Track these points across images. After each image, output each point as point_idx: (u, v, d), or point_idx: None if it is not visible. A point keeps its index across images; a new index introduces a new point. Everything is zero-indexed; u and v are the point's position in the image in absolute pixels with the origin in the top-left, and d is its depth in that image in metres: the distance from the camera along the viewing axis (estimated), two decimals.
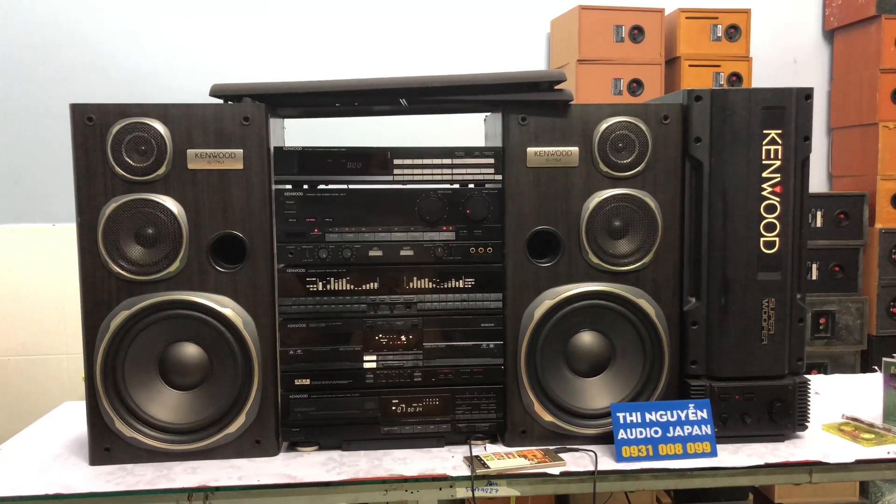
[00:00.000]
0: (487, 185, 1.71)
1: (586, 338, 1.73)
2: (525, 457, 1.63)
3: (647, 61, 3.35)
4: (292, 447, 1.72)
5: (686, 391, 1.73)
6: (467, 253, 1.71)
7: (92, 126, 1.58)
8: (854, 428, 1.80)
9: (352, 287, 1.70)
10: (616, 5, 3.33)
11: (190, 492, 1.52)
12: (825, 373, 3.25)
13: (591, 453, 1.64)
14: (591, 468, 1.59)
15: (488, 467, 1.57)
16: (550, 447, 1.69)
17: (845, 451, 1.67)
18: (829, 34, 3.85)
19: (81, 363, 1.62)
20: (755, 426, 1.71)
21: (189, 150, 1.60)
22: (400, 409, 1.71)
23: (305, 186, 1.68)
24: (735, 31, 3.43)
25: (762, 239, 1.69)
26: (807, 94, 1.69)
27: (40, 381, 2.88)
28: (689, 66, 3.41)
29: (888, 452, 1.67)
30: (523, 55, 3.70)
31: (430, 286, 1.71)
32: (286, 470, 1.59)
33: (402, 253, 1.70)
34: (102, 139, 1.58)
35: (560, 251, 1.70)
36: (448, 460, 1.64)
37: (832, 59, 3.85)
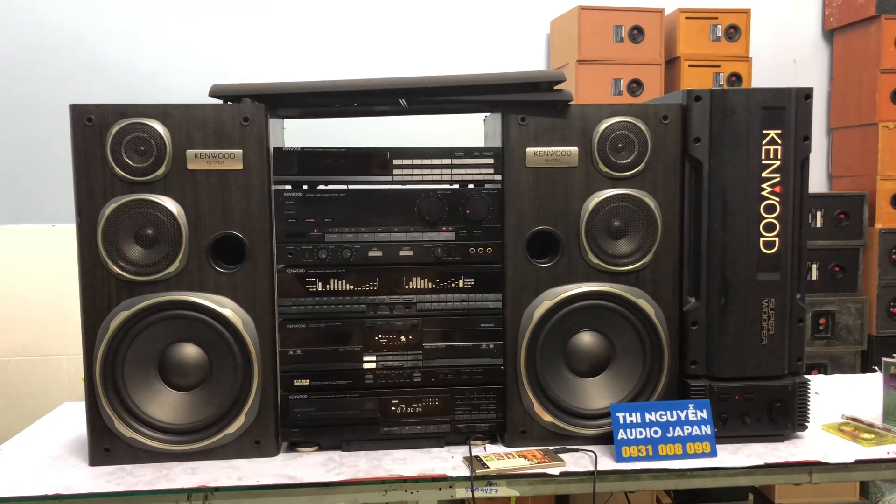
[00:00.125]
0: (487, 186, 1.71)
1: (586, 338, 1.73)
2: (525, 457, 1.63)
3: (646, 61, 3.35)
4: (292, 448, 1.72)
5: (686, 391, 1.73)
6: (467, 253, 1.71)
7: (91, 126, 1.58)
8: (854, 428, 1.80)
9: (351, 287, 1.70)
10: (616, 5, 3.33)
11: (189, 492, 1.52)
12: (825, 373, 3.25)
13: (591, 453, 1.64)
14: (591, 468, 1.59)
15: (488, 467, 1.57)
16: (550, 447, 1.69)
17: (845, 451, 1.67)
18: (829, 34, 3.85)
19: (81, 364, 1.62)
20: (755, 426, 1.71)
21: (189, 151, 1.60)
22: (399, 409, 1.71)
23: (305, 187, 1.68)
24: (735, 32, 3.43)
25: (762, 239, 1.69)
26: (806, 94, 1.69)
27: (40, 381, 2.88)
28: (689, 66, 3.41)
29: (888, 452, 1.67)
30: (523, 55, 3.70)
31: (430, 286, 1.71)
32: (286, 470, 1.59)
33: (402, 253, 1.70)
34: (102, 139, 1.58)
35: (560, 251, 1.70)
36: (448, 461, 1.64)
37: (832, 60, 3.85)
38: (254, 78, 3.45)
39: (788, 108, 1.67)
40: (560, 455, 1.64)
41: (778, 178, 1.68)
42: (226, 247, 1.65)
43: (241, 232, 1.63)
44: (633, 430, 1.64)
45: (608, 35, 3.33)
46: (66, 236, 2.53)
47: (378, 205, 1.69)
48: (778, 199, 1.68)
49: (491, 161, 1.71)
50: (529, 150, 1.68)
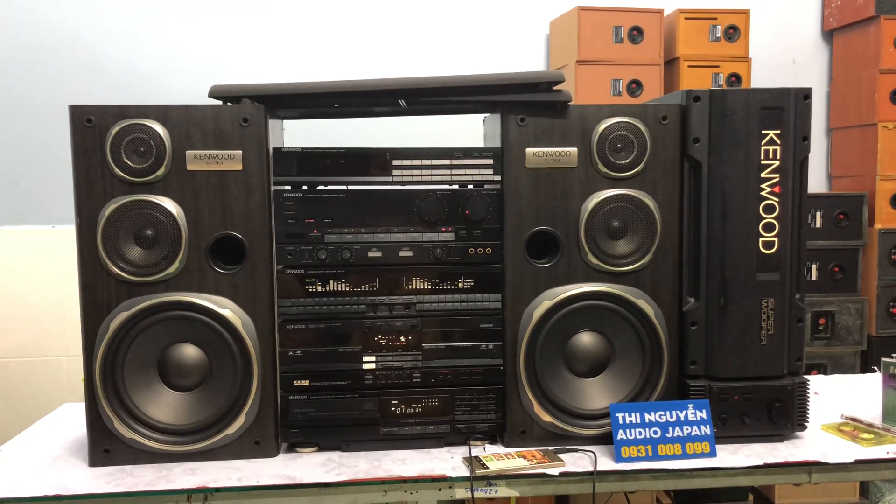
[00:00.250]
0: (486, 186, 1.71)
1: (585, 338, 1.73)
2: (524, 457, 1.63)
3: (646, 62, 3.35)
4: (292, 448, 1.72)
5: (685, 391, 1.73)
6: (466, 254, 1.71)
7: (91, 127, 1.58)
8: (853, 428, 1.80)
9: (351, 288, 1.70)
10: (615, 6, 3.34)
11: (189, 493, 1.52)
12: (825, 373, 3.25)
13: (591, 454, 1.64)
14: (591, 469, 1.59)
15: (487, 468, 1.57)
16: (550, 448, 1.69)
17: (845, 451, 1.67)
18: (829, 34, 3.86)
19: (81, 365, 1.62)
20: (754, 426, 1.71)
21: (188, 152, 1.61)
22: (399, 409, 1.71)
23: (304, 187, 1.68)
24: (734, 32, 3.44)
25: (761, 239, 1.69)
26: (805, 95, 1.69)
27: (40, 382, 2.88)
28: (689, 66, 3.41)
29: (887, 452, 1.67)
30: (522, 56, 3.70)
31: (430, 287, 1.72)
32: (285, 471, 1.59)
33: (402, 254, 1.70)
34: (102, 140, 1.58)
35: (559, 252, 1.70)
36: (447, 461, 1.64)
37: (831, 60, 3.85)
38: (253, 78, 3.45)
39: (787, 108, 1.68)
40: (559, 455, 1.64)
41: (777, 179, 1.68)
42: (225, 247, 1.65)
43: (240, 233, 1.63)
44: (633, 430, 1.64)
45: (607, 36, 3.33)
46: (65, 237, 2.53)
47: (377, 205, 1.69)
48: (777, 200, 1.68)
49: (490, 161, 1.71)
50: (529, 150, 1.68)
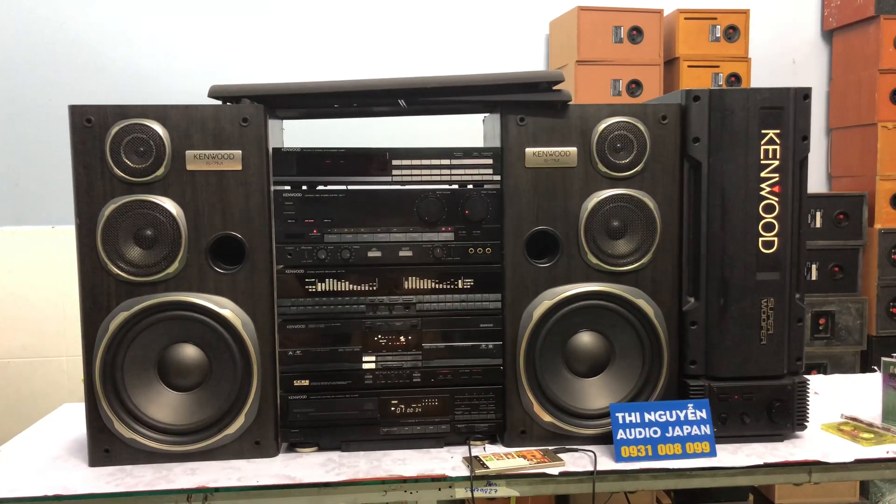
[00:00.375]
0: (486, 186, 1.71)
1: (585, 338, 1.73)
2: (524, 457, 1.63)
3: (645, 62, 3.35)
4: (291, 448, 1.72)
5: (685, 391, 1.73)
6: (466, 253, 1.71)
7: (91, 127, 1.58)
8: (853, 427, 1.80)
9: (351, 288, 1.70)
10: (615, 6, 3.34)
11: (189, 493, 1.52)
12: (825, 373, 3.25)
13: (591, 453, 1.64)
14: (591, 468, 1.59)
15: (487, 468, 1.57)
16: (549, 447, 1.69)
17: (844, 450, 1.67)
18: (828, 34, 3.86)
19: (81, 365, 1.62)
20: (754, 426, 1.71)
21: (188, 152, 1.61)
22: (399, 409, 1.71)
23: (304, 187, 1.68)
24: (734, 32, 3.44)
25: (761, 239, 1.69)
26: (805, 94, 1.69)
27: (40, 383, 2.88)
28: (688, 66, 3.41)
29: (887, 452, 1.67)
30: (522, 56, 3.70)
31: (429, 287, 1.72)
32: (285, 471, 1.59)
33: (401, 254, 1.70)
34: (101, 140, 1.58)
35: (559, 251, 1.70)
36: (447, 461, 1.64)
37: (831, 60, 3.85)
38: (253, 78, 3.45)
39: (787, 107, 1.68)
40: (559, 455, 1.64)
41: (777, 178, 1.68)
42: (225, 247, 1.65)
43: (240, 232, 1.63)
44: (633, 430, 1.64)
45: (607, 36, 3.33)
46: (65, 238, 2.53)
47: (377, 205, 1.69)
48: (777, 199, 1.68)
49: (490, 161, 1.71)
50: (528, 150, 1.68)
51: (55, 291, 2.86)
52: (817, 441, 1.73)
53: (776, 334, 1.70)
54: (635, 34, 3.34)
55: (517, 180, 1.69)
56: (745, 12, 3.46)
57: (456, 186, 1.71)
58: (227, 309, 1.62)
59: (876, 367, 2.04)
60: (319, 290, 1.69)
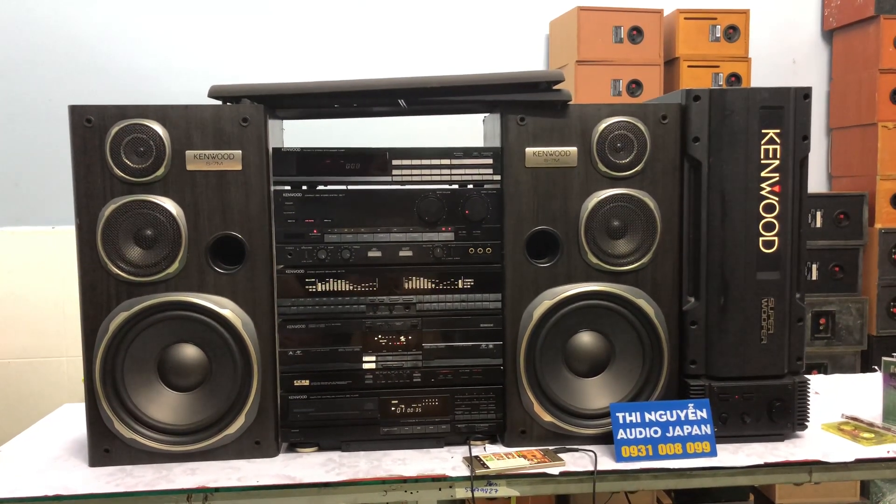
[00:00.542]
0: (486, 186, 1.71)
1: (585, 338, 1.73)
2: (524, 457, 1.63)
3: (645, 62, 3.35)
4: (292, 448, 1.72)
5: (685, 391, 1.73)
6: (466, 253, 1.71)
7: (91, 127, 1.58)
8: (854, 427, 1.80)
9: (351, 288, 1.70)
10: (615, 6, 3.34)
11: (189, 493, 1.52)
12: (825, 373, 3.25)
13: (591, 453, 1.64)
14: (591, 468, 1.59)
15: (488, 467, 1.57)
16: (550, 447, 1.69)
17: (845, 450, 1.67)
18: (828, 34, 3.85)
19: (81, 366, 1.62)
20: (755, 426, 1.71)
21: (188, 152, 1.61)
22: (399, 409, 1.71)
23: (304, 187, 1.68)
24: (734, 32, 3.44)
25: (761, 238, 1.69)
26: (805, 94, 1.69)
27: (40, 383, 2.88)
28: (688, 66, 3.41)
29: (888, 452, 1.66)
30: (522, 56, 3.70)
31: (430, 287, 1.71)
32: (286, 471, 1.59)
33: (402, 254, 1.70)
34: (101, 141, 1.58)
35: (559, 251, 1.70)
36: (447, 461, 1.64)
37: (831, 60, 3.85)
38: (253, 79, 3.45)
39: (787, 107, 1.68)
40: (560, 455, 1.64)
41: (777, 178, 1.68)
42: (225, 247, 1.65)
43: (240, 232, 1.63)
44: (633, 429, 1.64)
45: (607, 36, 3.33)
46: (65, 238, 2.53)
47: (377, 205, 1.69)
48: (777, 199, 1.68)
49: (490, 161, 1.71)
50: (528, 150, 1.68)
51: (55, 291, 2.86)
52: (818, 441, 1.73)
53: (776, 334, 1.70)
54: (635, 34, 3.34)
55: (517, 180, 1.69)
56: (745, 12, 3.46)
57: (456, 186, 1.71)
58: (227, 309, 1.62)
59: (876, 367, 2.04)
60: (319, 290, 1.69)
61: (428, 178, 1.70)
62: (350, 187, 1.69)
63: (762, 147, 1.67)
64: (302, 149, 1.68)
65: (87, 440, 1.63)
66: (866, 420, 1.85)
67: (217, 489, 1.53)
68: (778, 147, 1.67)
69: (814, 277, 3.30)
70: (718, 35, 3.43)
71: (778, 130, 1.67)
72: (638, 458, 1.62)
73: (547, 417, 1.71)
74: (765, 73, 3.69)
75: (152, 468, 1.61)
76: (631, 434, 1.64)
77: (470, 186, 1.72)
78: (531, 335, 1.69)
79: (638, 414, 1.66)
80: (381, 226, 1.70)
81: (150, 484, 1.53)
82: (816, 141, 3.81)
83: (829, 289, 3.31)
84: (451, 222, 1.71)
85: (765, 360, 1.71)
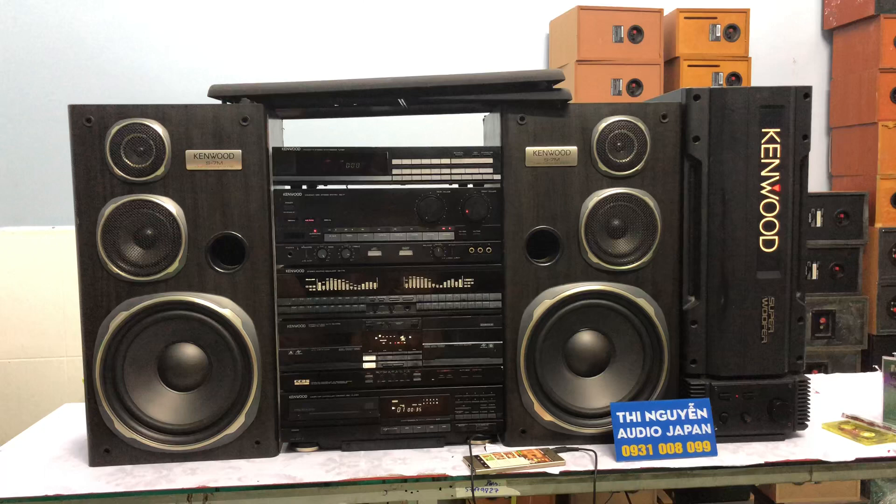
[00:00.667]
0: (486, 185, 1.71)
1: (586, 337, 1.73)
2: (525, 456, 1.63)
3: (646, 62, 3.35)
4: (292, 448, 1.72)
5: (686, 390, 1.72)
6: (466, 253, 1.71)
7: (90, 127, 1.58)
8: (854, 426, 1.80)
9: (351, 287, 1.70)
10: (615, 6, 3.33)
11: (189, 492, 1.52)
12: (826, 373, 3.25)
13: (591, 453, 1.64)
14: (591, 467, 1.59)
15: (488, 467, 1.57)
16: (550, 447, 1.69)
17: (845, 449, 1.67)
18: (829, 34, 3.85)
19: (81, 365, 1.62)
20: (755, 425, 1.71)
21: (188, 151, 1.60)
22: (399, 409, 1.71)
23: (304, 187, 1.68)
24: (734, 31, 3.43)
25: (761, 238, 1.69)
26: (805, 93, 1.69)
27: (40, 383, 2.88)
28: (688, 66, 3.41)
29: (888, 451, 1.66)
30: (522, 56, 3.70)
31: (430, 286, 1.71)
32: (286, 470, 1.59)
33: (402, 253, 1.70)
34: (101, 140, 1.58)
35: (559, 251, 1.70)
36: (448, 460, 1.64)
37: (831, 59, 3.85)
38: (252, 78, 3.45)
39: (787, 106, 1.67)
40: (560, 454, 1.64)
41: (777, 177, 1.68)
42: (225, 247, 1.65)
43: (240, 232, 1.63)
44: (634, 429, 1.64)
45: (607, 35, 3.33)
46: (65, 238, 2.53)
47: (377, 205, 1.69)
48: (777, 198, 1.68)
49: (490, 161, 1.71)
50: (528, 149, 1.68)
51: (55, 292, 2.86)
52: (818, 440, 1.73)
53: (777, 333, 1.70)
54: (635, 34, 3.34)
55: (517, 179, 1.69)
56: (746, 11, 3.46)
57: (456, 186, 1.71)
58: (227, 309, 1.62)
59: (877, 366, 2.04)
60: (320, 289, 1.69)
61: (428, 177, 1.70)
62: (350, 187, 1.69)
63: (762, 146, 1.67)
64: (302, 148, 1.68)
65: (88, 440, 1.63)
66: (867, 419, 1.84)
67: (217, 489, 1.53)
68: (778, 146, 1.67)
69: (814, 277, 3.30)
70: (718, 34, 3.43)
71: (778, 130, 1.67)
72: (638, 458, 1.62)
73: (547, 417, 1.70)
74: (765, 72, 3.69)
75: (152, 468, 1.61)
76: (631, 433, 1.64)
77: (470, 186, 1.71)
78: (531, 334, 1.69)
79: (638, 413, 1.66)
80: (381, 225, 1.70)
81: (150, 484, 1.53)
82: (817, 140, 3.81)
83: (830, 288, 3.31)
84: (451, 222, 1.71)
85: (765, 359, 1.71)
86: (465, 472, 1.57)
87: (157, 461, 1.63)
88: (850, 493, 3.11)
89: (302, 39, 3.56)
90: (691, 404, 1.67)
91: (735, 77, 3.41)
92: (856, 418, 1.86)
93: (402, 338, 1.71)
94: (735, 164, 1.67)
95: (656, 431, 1.64)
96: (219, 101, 1.66)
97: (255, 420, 1.65)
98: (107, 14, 3.44)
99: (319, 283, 1.69)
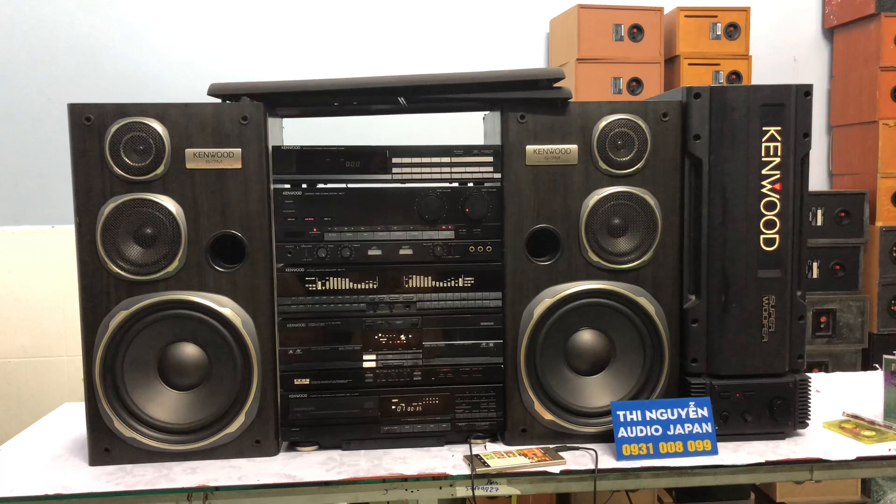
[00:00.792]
0: (486, 184, 1.71)
1: (586, 336, 1.73)
2: (525, 455, 1.63)
3: (646, 60, 3.35)
4: (292, 447, 1.72)
5: (686, 389, 1.72)
6: (466, 252, 1.71)
7: (90, 126, 1.58)
8: (855, 425, 1.80)
9: (351, 286, 1.69)
10: (615, 4, 3.33)
11: (189, 492, 1.52)
12: (826, 372, 3.25)
13: (592, 452, 1.64)
14: (592, 466, 1.59)
15: (488, 466, 1.57)
16: (551, 445, 1.69)
17: (846, 448, 1.67)
18: (829, 32, 3.85)
19: (81, 365, 1.62)
20: (756, 424, 1.71)
21: (187, 150, 1.60)
22: (400, 408, 1.71)
23: (304, 186, 1.68)
24: (734, 30, 3.43)
25: (762, 236, 1.68)
26: (806, 91, 1.68)
27: (40, 382, 2.88)
28: (689, 64, 3.41)
29: (889, 449, 1.66)
30: (522, 55, 3.70)
31: (430, 285, 1.71)
32: (286, 470, 1.59)
33: (402, 252, 1.70)
34: (100, 139, 1.58)
35: (559, 249, 1.70)
36: (448, 459, 1.64)
37: (832, 58, 3.85)
38: (252, 77, 3.45)
39: (788, 104, 1.67)
40: (561, 453, 1.64)
41: (778, 175, 1.67)
42: (225, 246, 1.65)
43: (240, 231, 1.63)
44: (634, 428, 1.64)
45: (608, 34, 3.33)
46: (65, 238, 2.53)
47: (377, 204, 1.69)
48: (778, 196, 1.68)
49: (490, 159, 1.71)
50: (529, 147, 1.68)
51: (55, 291, 2.86)
52: (819, 439, 1.73)
53: (777, 332, 1.70)
54: (636, 32, 3.34)
55: (518, 178, 1.69)
56: (746, 10, 3.45)
57: (456, 184, 1.71)
58: (227, 308, 1.62)
59: (877, 365, 2.04)
60: (319, 288, 1.68)
61: (428, 176, 1.70)
62: (350, 185, 1.69)
63: (763, 145, 1.67)
64: (302, 147, 1.67)
65: (87, 439, 1.63)
66: (867, 418, 1.84)
67: (217, 488, 1.52)
68: (779, 145, 1.67)
69: (815, 275, 3.30)
70: (719, 33, 3.42)
71: (779, 128, 1.67)
72: (639, 457, 1.62)
73: (548, 416, 1.70)
74: (765, 70, 3.69)
75: (152, 467, 1.61)
76: (632, 432, 1.64)
77: (470, 184, 1.71)
78: (532, 333, 1.69)
79: (639, 412, 1.65)
80: (381, 224, 1.69)
81: (150, 483, 1.53)
82: (817, 139, 3.81)
83: (830, 287, 3.31)
84: (451, 220, 1.70)
85: (766, 358, 1.70)
86: (466, 471, 1.57)
87: (157, 460, 1.63)
88: (851, 491, 3.11)
89: (302, 38, 3.56)
90: (692, 403, 1.67)
91: (735, 75, 3.41)
92: (856, 417, 1.86)
93: (403, 337, 1.71)
94: (735, 163, 1.67)
95: (657, 430, 1.64)
96: (218, 100, 1.65)
97: (255, 419, 1.65)
98: (107, 14, 3.44)
99: (319, 282, 1.68)
